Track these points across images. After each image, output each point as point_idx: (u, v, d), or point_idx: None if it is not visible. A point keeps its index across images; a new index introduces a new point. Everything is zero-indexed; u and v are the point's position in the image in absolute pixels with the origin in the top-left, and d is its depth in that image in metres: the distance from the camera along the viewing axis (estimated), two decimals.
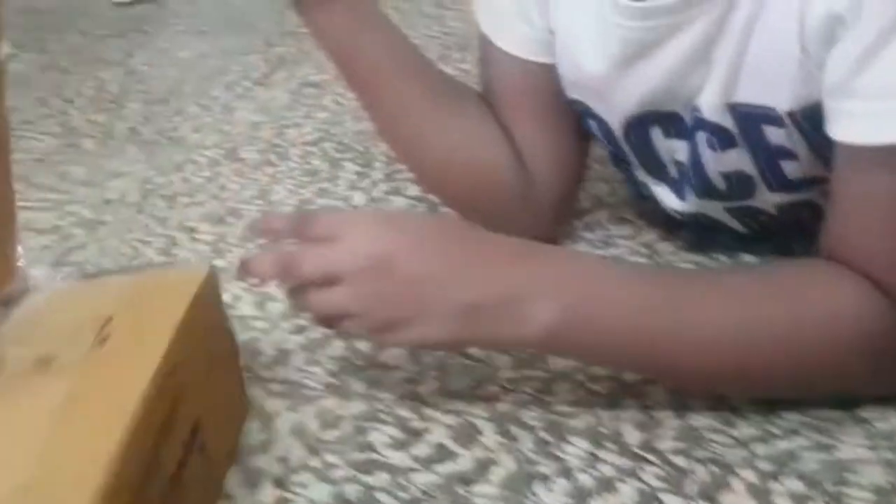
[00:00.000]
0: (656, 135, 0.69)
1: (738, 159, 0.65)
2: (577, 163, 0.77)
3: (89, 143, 1.07)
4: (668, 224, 0.77)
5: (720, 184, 0.68)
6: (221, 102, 1.16)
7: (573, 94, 0.72)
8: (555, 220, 0.78)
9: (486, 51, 0.76)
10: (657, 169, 0.73)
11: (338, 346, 0.69)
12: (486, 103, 0.75)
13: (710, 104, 0.63)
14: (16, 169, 1.00)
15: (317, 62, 1.25)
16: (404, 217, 0.63)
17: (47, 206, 0.93)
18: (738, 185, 0.67)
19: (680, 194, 0.72)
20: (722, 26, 0.59)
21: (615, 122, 0.70)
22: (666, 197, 0.74)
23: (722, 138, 0.64)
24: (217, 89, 1.20)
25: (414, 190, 0.91)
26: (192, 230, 0.86)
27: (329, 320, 0.57)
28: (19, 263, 0.58)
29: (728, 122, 0.63)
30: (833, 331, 0.53)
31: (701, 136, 0.65)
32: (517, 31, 0.72)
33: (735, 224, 0.73)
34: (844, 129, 0.54)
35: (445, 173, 0.75)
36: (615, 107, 0.69)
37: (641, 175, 0.75)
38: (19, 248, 0.58)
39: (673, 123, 0.67)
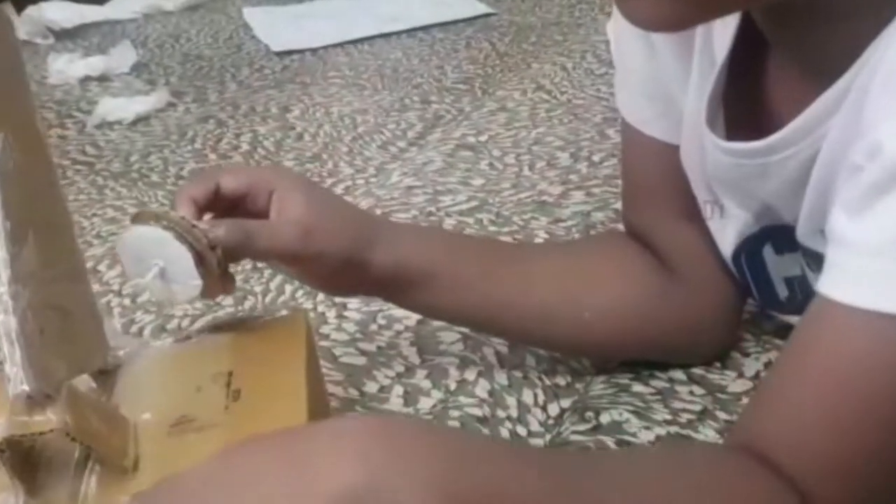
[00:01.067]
0: (769, 254, 0.62)
1: None
2: None
3: None
4: None
5: None
6: (375, 164, 1.12)
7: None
8: (728, 331, 0.70)
9: (631, 140, 0.69)
10: (765, 295, 0.65)
11: None
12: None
13: (803, 231, 0.56)
14: None
15: (474, 122, 1.20)
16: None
17: None
18: None
19: (801, 311, 0.63)
20: (811, 164, 0.52)
21: (726, 243, 0.63)
22: (788, 319, 0.65)
23: (821, 263, 0.56)
24: (371, 149, 1.16)
25: None
26: (342, 304, 0.81)
27: None
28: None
29: (823, 248, 0.54)
30: None
31: (803, 263, 0.59)
32: (667, 117, 0.65)
33: None
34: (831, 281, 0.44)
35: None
36: (722, 230, 0.63)
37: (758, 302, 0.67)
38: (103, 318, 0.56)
39: (786, 237, 0.59)
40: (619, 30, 0.69)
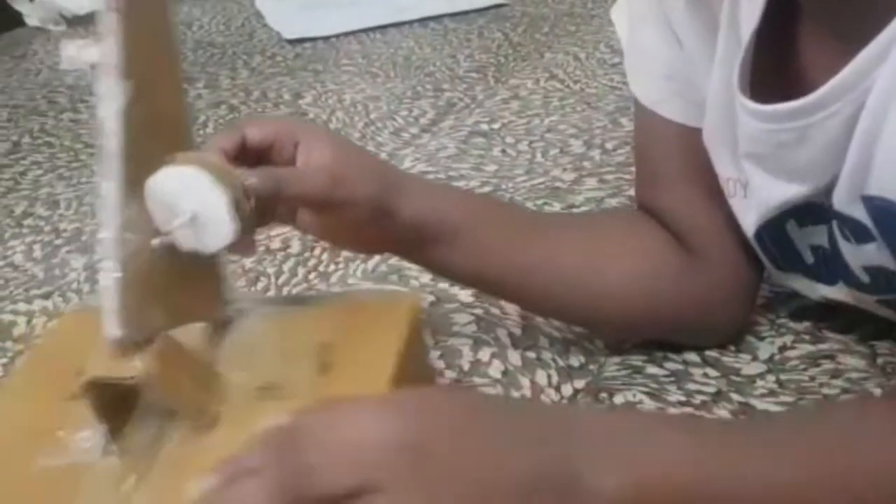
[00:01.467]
0: (791, 227, 0.61)
1: (877, 254, 0.56)
2: None
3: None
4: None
5: (863, 277, 0.59)
6: (388, 150, 1.12)
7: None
8: (744, 310, 0.70)
9: (646, 124, 0.68)
10: (789, 261, 0.64)
11: None
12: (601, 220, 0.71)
13: (840, 197, 0.55)
14: None
15: (487, 110, 1.20)
16: (415, 397, 0.44)
17: None
18: (883, 280, 0.58)
19: (826, 279, 0.63)
20: (854, 121, 0.51)
21: (749, 223, 0.62)
22: (806, 286, 0.65)
23: (857, 231, 0.55)
24: (383, 135, 1.16)
25: None
26: (356, 287, 0.81)
27: None
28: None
29: (862, 215, 0.54)
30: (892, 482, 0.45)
31: (835, 226, 0.58)
32: (685, 98, 0.64)
33: (891, 316, 0.63)
34: None
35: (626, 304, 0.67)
36: (746, 209, 0.62)
37: (774, 273, 0.67)
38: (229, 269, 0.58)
39: (809, 212, 0.59)
40: (634, 14, 0.68)
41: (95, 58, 1.54)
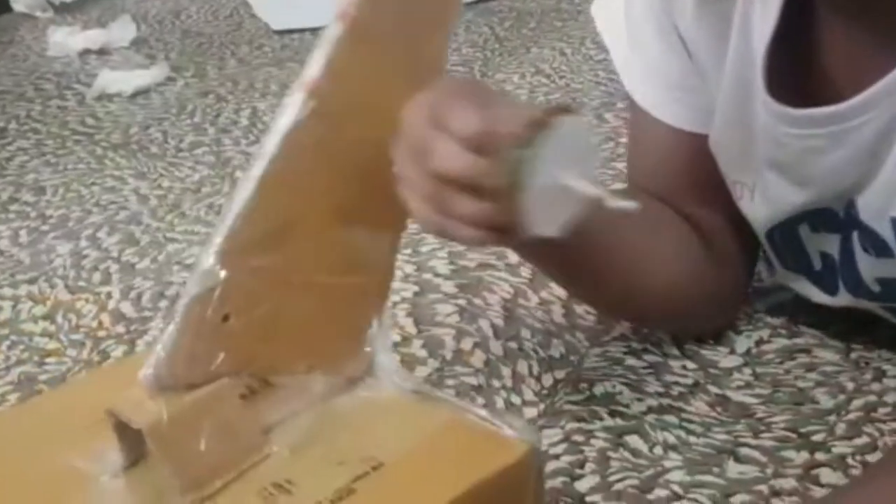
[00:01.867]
0: (804, 230, 0.62)
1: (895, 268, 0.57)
2: (754, 240, 0.69)
3: (241, 175, 1.05)
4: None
5: (874, 287, 0.60)
6: None
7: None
8: (739, 304, 0.72)
9: (644, 128, 0.68)
10: (798, 263, 0.65)
11: None
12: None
13: (869, 208, 0.55)
14: (169, 197, 1.00)
15: None
16: None
17: (195, 240, 0.91)
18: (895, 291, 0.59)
19: (828, 289, 0.65)
20: (889, 129, 0.51)
21: (759, 223, 0.63)
22: (808, 291, 0.67)
23: (878, 245, 0.56)
24: None
25: None
26: None
27: None
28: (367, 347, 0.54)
29: (887, 233, 0.55)
30: None
31: (855, 236, 0.58)
32: (689, 104, 0.64)
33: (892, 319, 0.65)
34: None
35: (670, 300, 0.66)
36: (758, 210, 0.63)
37: (780, 271, 0.68)
38: (374, 325, 0.53)
39: (824, 219, 0.60)
40: (633, 21, 0.66)
41: (82, 44, 1.52)
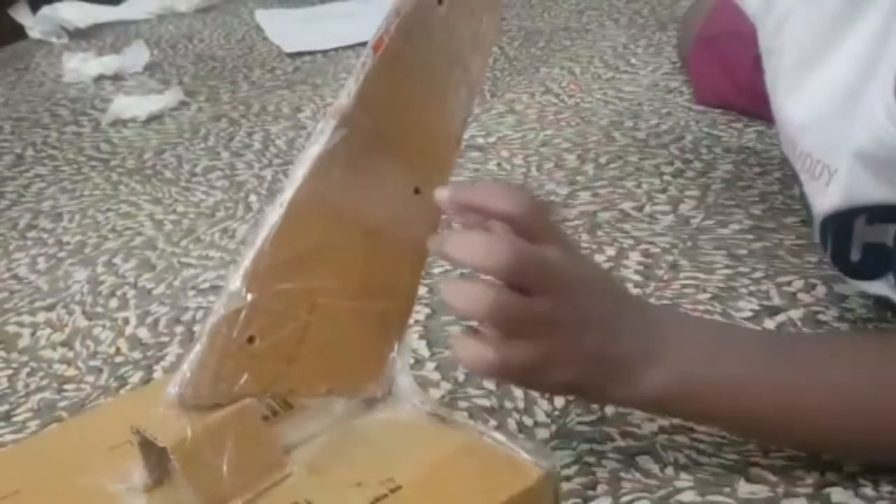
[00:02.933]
0: (859, 224, 0.62)
1: None
2: None
3: (254, 199, 1.07)
4: None
5: None
6: None
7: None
8: None
9: None
10: (835, 256, 0.66)
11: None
12: None
13: None
14: (183, 222, 1.01)
15: (483, 124, 1.22)
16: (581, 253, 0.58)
17: (210, 265, 0.92)
18: None
19: (870, 275, 0.64)
20: None
21: (822, 210, 0.63)
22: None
23: None
24: None
25: None
26: None
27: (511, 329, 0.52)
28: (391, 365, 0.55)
29: None
30: None
31: None
32: None
33: None
34: None
35: None
36: (829, 197, 0.62)
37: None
38: (395, 348, 0.54)
39: (885, 211, 0.59)
40: None
41: (97, 70, 1.55)
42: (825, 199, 0.63)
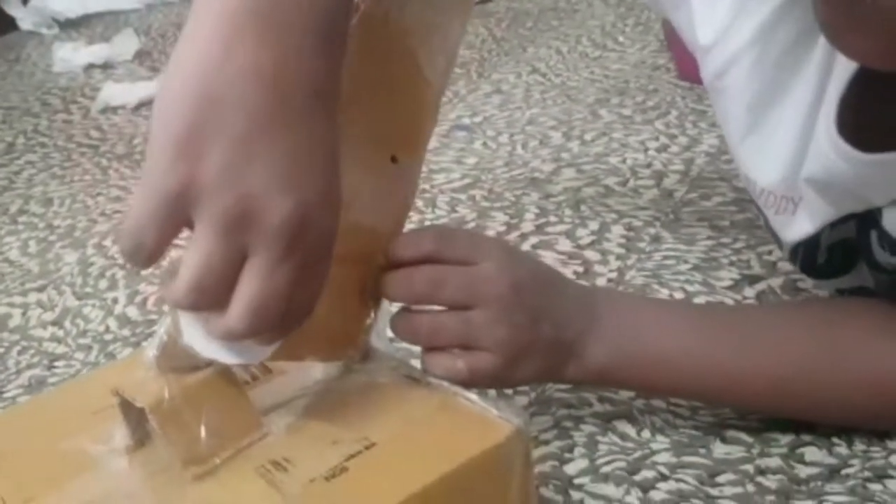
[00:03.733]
0: (825, 233, 0.62)
1: None
2: None
3: None
4: None
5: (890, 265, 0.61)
6: None
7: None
8: None
9: None
10: (805, 264, 0.65)
11: None
12: None
13: (893, 224, 0.56)
14: None
15: (469, 104, 1.23)
16: (519, 251, 0.63)
17: None
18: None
19: (838, 272, 0.64)
20: None
21: (792, 236, 0.64)
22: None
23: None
24: None
25: (565, 245, 0.87)
26: None
27: (454, 345, 0.55)
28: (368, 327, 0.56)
29: None
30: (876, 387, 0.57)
31: (873, 236, 0.58)
32: None
33: None
34: None
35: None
36: (790, 224, 0.63)
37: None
38: (372, 314, 0.55)
39: (846, 218, 0.60)
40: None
41: (87, 59, 1.55)
42: (795, 227, 0.63)
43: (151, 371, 0.47)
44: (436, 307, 0.56)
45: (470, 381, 0.56)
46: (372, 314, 0.56)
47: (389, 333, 0.57)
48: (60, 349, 0.79)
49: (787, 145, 0.61)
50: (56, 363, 0.77)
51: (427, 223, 0.93)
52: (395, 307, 0.56)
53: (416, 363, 0.55)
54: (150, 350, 0.48)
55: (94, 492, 0.46)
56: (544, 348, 0.56)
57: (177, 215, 0.41)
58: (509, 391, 0.68)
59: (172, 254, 0.44)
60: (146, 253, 0.42)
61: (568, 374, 0.58)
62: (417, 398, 0.52)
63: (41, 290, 0.88)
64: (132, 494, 0.46)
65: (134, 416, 0.48)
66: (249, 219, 0.41)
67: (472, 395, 0.51)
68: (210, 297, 0.42)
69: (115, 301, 0.85)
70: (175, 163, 0.40)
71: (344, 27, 0.45)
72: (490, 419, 0.49)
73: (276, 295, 0.42)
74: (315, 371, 0.54)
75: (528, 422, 0.51)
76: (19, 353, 0.79)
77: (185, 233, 0.42)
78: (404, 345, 0.57)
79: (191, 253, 0.42)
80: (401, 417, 0.50)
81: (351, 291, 0.55)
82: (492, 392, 0.67)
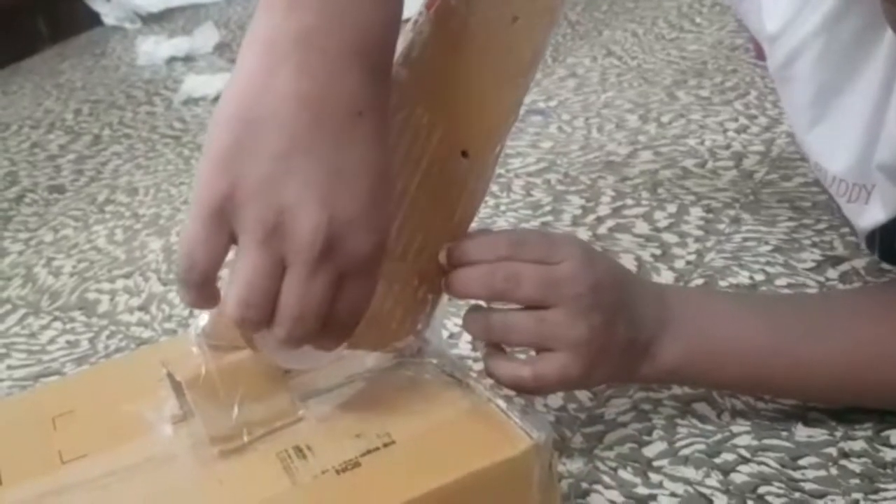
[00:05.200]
0: None
1: None
2: None
3: None
4: None
5: None
6: None
7: None
8: None
9: None
10: (889, 246, 0.65)
11: (557, 396, 0.65)
12: None
13: None
14: None
15: (544, 88, 1.22)
16: (595, 250, 0.60)
17: None
18: None
19: None
20: None
21: (866, 224, 0.63)
22: None
23: None
24: None
25: (642, 228, 0.86)
26: None
27: (532, 346, 0.55)
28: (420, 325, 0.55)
29: None
30: None
31: None
32: None
33: None
34: None
35: None
36: (863, 212, 0.62)
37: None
38: (429, 309, 0.55)
39: None
40: None
41: (169, 52, 1.58)
42: (868, 215, 0.62)
43: (195, 347, 0.49)
44: (510, 305, 0.55)
45: (535, 389, 0.56)
46: (428, 309, 0.55)
47: (444, 331, 0.56)
48: (147, 333, 0.81)
49: (857, 133, 0.60)
50: (143, 347, 0.80)
51: (502, 208, 0.93)
52: (454, 304, 0.55)
53: (469, 363, 0.55)
54: (196, 326, 0.49)
55: (139, 455, 0.49)
56: (619, 349, 0.55)
57: (221, 231, 0.42)
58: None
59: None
60: (198, 272, 0.43)
61: (640, 374, 0.57)
62: (450, 400, 0.51)
63: (128, 276, 0.91)
64: (169, 462, 0.48)
65: (181, 388, 0.50)
66: (283, 230, 0.42)
67: (502, 403, 0.50)
68: (257, 310, 0.43)
69: None
70: (216, 179, 0.42)
71: (390, 44, 0.46)
72: (511, 431, 0.48)
73: (311, 304, 0.43)
74: (367, 360, 0.54)
75: (551, 437, 0.48)
76: (108, 337, 0.82)
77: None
78: (459, 342, 0.56)
79: (235, 269, 0.43)
80: (427, 418, 0.50)
81: (407, 285, 0.54)
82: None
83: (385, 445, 0.48)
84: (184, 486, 0.47)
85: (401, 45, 0.50)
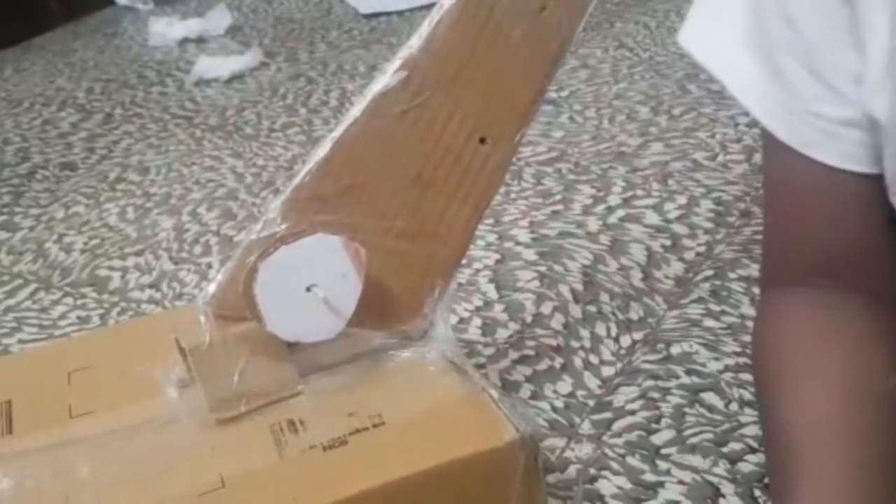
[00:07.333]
0: None
1: None
2: None
3: None
4: None
5: None
6: None
7: None
8: None
9: (788, 169, 0.53)
10: None
11: (566, 382, 0.66)
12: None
13: None
14: (263, 175, 1.05)
15: (556, 78, 1.22)
16: None
17: None
18: None
19: None
20: None
21: None
22: None
23: None
24: None
25: (653, 219, 0.86)
26: None
27: None
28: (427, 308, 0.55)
29: None
30: None
31: None
32: (842, 138, 0.50)
33: None
34: None
35: None
36: None
37: None
38: (437, 293, 0.54)
39: None
40: (769, 42, 0.50)
41: (181, 33, 1.58)
42: None
43: (202, 315, 0.49)
44: None
45: None
46: (437, 294, 0.55)
47: (454, 316, 0.56)
48: (157, 310, 0.82)
49: None
50: (164, 310, 0.80)
51: (512, 195, 0.94)
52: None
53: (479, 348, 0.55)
54: (205, 295, 0.49)
55: (142, 416, 0.49)
56: None
57: None
58: (595, 360, 0.68)
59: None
60: None
61: None
62: (445, 386, 0.51)
63: (139, 254, 0.92)
64: (169, 426, 0.49)
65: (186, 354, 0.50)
66: None
67: (494, 393, 0.50)
68: None
69: (209, 266, 0.88)
70: None
71: None
72: (500, 422, 0.48)
73: None
74: (373, 340, 0.54)
75: (538, 432, 0.48)
76: (119, 313, 0.82)
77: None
78: (468, 327, 0.56)
79: None
80: (421, 402, 0.50)
81: (415, 267, 0.54)
82: (578, 364, 0.68)
83: (374, 426, 0.48)
84: (177, 451, 0.48)
85: (424, 30, 0.50)
